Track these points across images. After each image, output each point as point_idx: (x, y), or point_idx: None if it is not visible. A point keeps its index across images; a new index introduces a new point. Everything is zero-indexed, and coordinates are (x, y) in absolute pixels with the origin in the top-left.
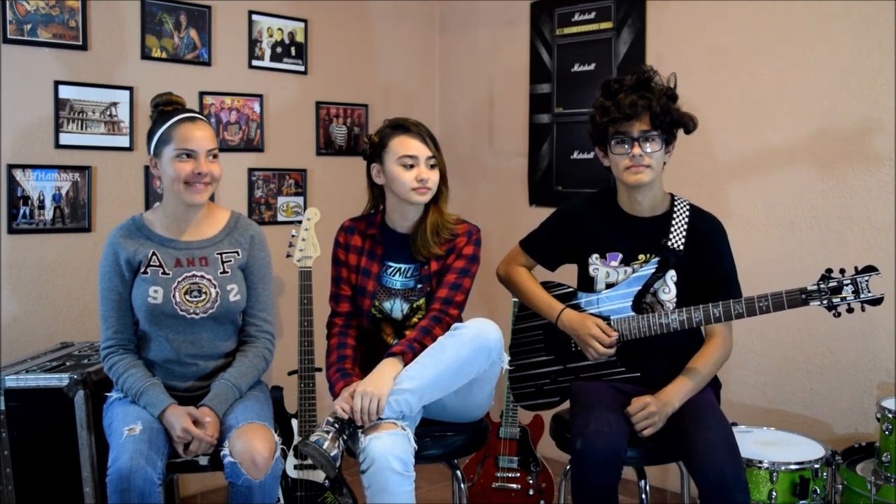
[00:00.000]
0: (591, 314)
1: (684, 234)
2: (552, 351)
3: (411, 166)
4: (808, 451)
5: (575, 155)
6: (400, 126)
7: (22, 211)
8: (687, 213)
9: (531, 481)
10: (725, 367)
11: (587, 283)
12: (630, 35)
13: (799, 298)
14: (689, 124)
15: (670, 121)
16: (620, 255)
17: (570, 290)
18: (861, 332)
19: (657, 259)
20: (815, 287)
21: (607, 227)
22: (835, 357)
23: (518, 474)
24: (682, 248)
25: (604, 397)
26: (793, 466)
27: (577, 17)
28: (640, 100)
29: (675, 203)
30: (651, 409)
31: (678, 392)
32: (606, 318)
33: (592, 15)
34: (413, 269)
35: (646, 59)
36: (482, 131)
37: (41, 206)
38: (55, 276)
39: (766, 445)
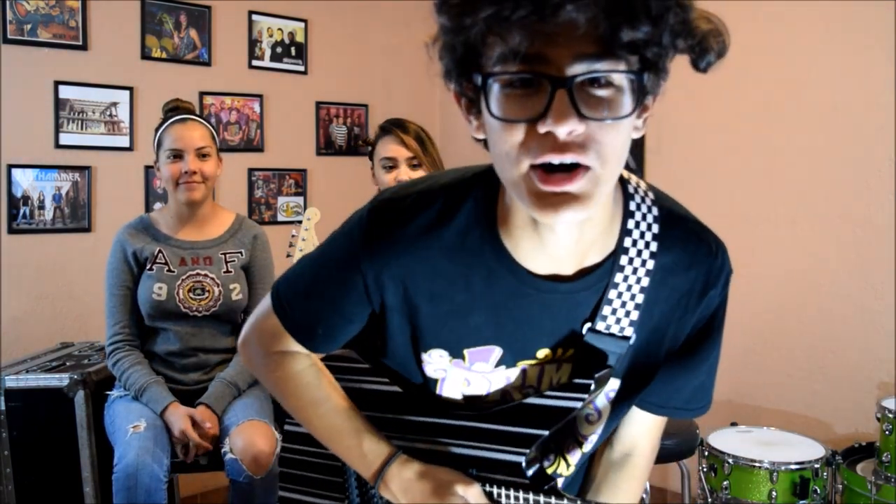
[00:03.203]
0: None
1: (640, 293)
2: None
3: (391, 167)
4: (809, 451)
5: None
6: (383, 128)
7: (22, 211)
8: (652, 241)
9: None
10: (726, 368)
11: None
12: None
13: None
14: (708, 43)
15: (661, 35)
16: (498, 352)
17: (392, 388)
18: (862, 332)
19: (602, 378)
20: None
21: (465, 300)
22: (835, 357)
23: None
24: (629, 330)
25: None
26: (793, 466)
27: None
28: None
29: (632, 222)
30: None
31: None
32: (472, 472)
33: None
34: None
35: None
36: None
37: (41, 206)
38: (55, 276)
39: (766, 445)
